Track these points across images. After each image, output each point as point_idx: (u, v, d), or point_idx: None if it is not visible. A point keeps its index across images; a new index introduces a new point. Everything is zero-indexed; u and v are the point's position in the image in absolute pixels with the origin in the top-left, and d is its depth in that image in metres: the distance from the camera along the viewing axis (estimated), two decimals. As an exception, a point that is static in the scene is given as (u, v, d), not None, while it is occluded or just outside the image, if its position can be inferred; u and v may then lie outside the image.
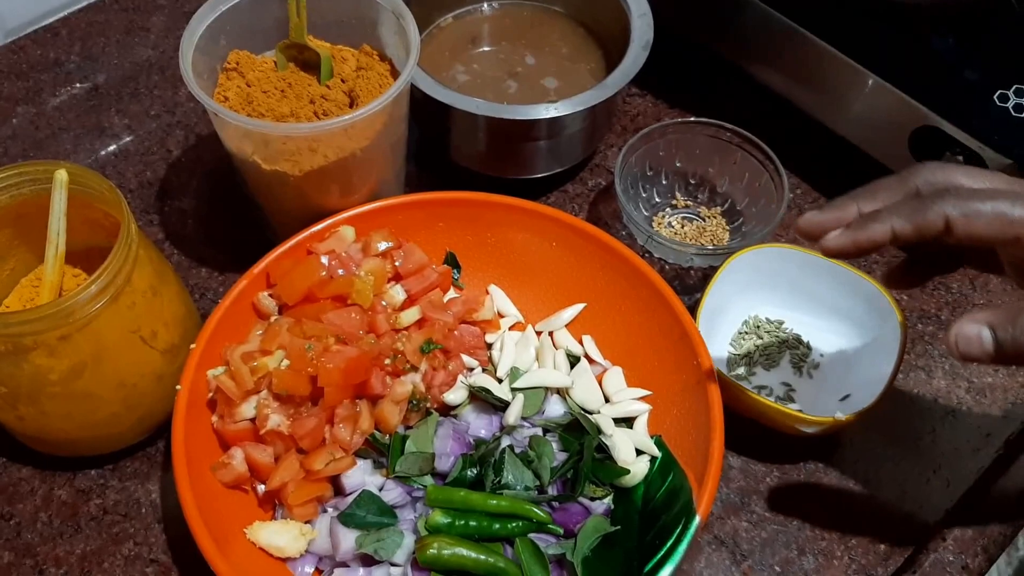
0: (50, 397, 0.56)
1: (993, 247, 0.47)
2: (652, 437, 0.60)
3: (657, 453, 0.59)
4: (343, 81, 0.65)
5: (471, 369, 0.64)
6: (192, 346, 0.58)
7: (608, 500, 0.58)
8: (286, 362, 0.57)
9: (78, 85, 0.83)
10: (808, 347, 0.68)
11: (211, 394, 0.58)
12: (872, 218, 0.47)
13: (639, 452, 0.59)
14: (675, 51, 0.78)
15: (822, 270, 0.66)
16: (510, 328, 0.67)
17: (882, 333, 0.64)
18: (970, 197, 0.45)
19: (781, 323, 0.68)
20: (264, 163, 0.61)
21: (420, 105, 0.68)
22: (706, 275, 0.70)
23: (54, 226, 0.57)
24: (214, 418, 0.58)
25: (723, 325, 0.67)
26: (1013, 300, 0.73)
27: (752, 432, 0.63)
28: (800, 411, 0.59)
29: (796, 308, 0.68)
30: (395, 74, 0.66)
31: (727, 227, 0.73)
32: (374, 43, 0.67)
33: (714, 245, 0.70)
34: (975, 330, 0.45)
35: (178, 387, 0.57)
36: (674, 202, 0.75)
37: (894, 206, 0.47)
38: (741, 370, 0.66)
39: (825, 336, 0.67)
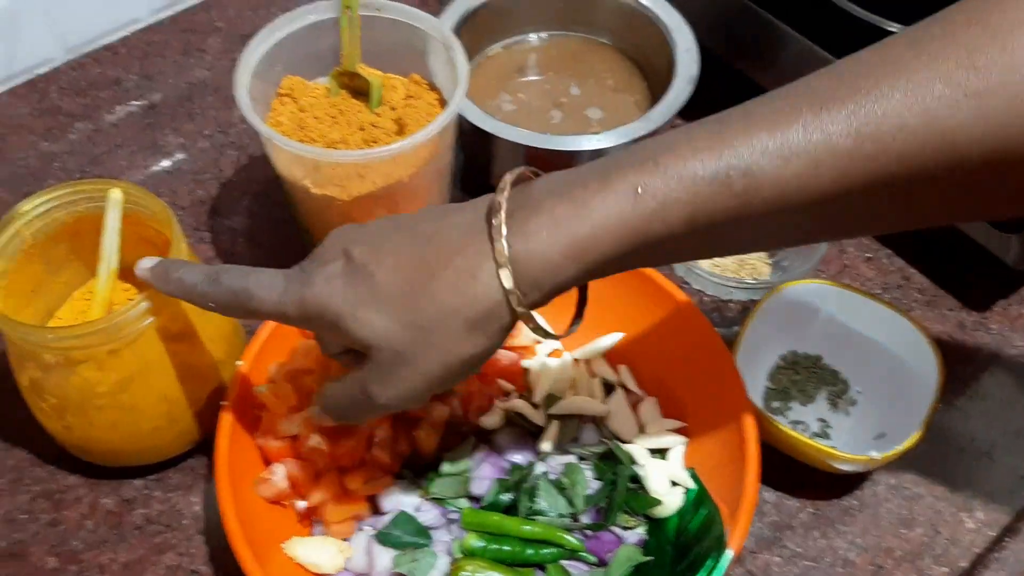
0: (97, 409, 0.58)
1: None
2: (687, 469, 0.60)
3: (691, 485, 0.59)
4: (392, 109, 0.67)
5: (507, 394, 0.65)
6: (239, 362, 0.60)
7: (641, 530, 0.59)
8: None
9: (135, 103, 0.85)
10: (845, 384, 0.68)
11: (256, 410, 0.60)
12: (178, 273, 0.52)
13: (673, 483, 0.60)
14: (719, 82, 0.79)
15: (862, 308, 0.66)
16: (547, 355, 0.68)
17: (920, 373, 0.64)
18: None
19: (819, 359, 0.68)
20: (314, 187, 0.63)
21: (465, 132, 0.70)
22: (745, 308, 0.70)
23: (107, 243, 0.59)
24: (257, 434, 0.60)
25: (760, 359, 0.68)
26: None
27: (786, 466, 0.63)
28: (835, 448, 0.59)
29: (834, 344, 0.68)
30: (443, 103, 0.68)
31: (767, 261, 0.74)
32: (423, 72, 0.69)
33: (754, 279, 0.71)
34: (314, 411, 0.56)
35: (223, 402, 0.58)
36: (714, 234, 0.76)
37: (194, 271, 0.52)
38: (777, 404, 0.67)
39: (862, 373, 0.67)
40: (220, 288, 0.50)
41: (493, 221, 0.44)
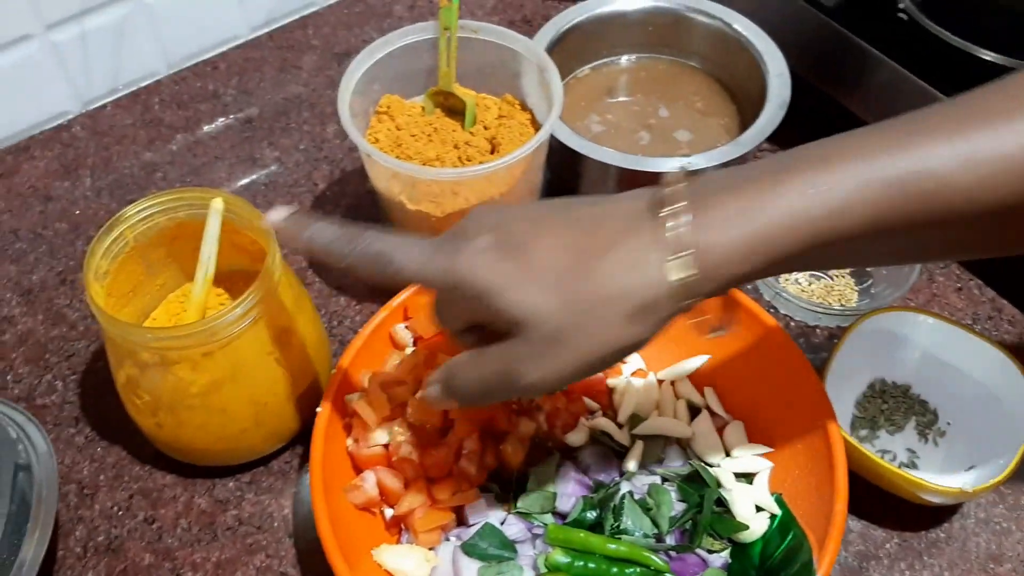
0: (188, 408, 0.60)
1: None
2: (772, 495, 0.60)
3: (777, 511, 0.59)
4: (485, 128, 0.68)
5: (592, 412, 0.65)
6: (333, 371, 0.61)
7: (725, 554, 0.58)
8: (421, 393, 0.60)
9: (233, 117, 0.88)
10: (935, 414, 0.67)
11: (347, 418, 0.61)
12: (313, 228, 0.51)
13: (759, 508, 0.60)
14: (808, 106, 0.79)
15: (954, 338, 0.65)
16: (632, 374, 0.68)
17: (1012, 406, 0.63)
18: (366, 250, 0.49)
19: (908, 388, 0.68)
20: (409, 203, 0.64)
21: (554, 151, 0.71)
22: (832, 334, 0.70)
23: (206, 250, 0.61)
24: (349, 441, 0.61)
25: (848, 386, 0.67)
26: None
27: (873, 496, 0.62)
28: (925, 479, 0.59)
29: (924, 374, 0.67)
30: (535, 123, 0.69)
31: (855, 287, 0.73)
32: (516, 93, 0.70)
33: (842, 305, 0.70)
34: (429, 391, 0.52)
35: (319, 409, 0.60)
36: (801, 259, 0.75)
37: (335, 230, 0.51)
38: (864, 432, 0.66)
39: (952, 404, 0.66)
40: (358, 249, 0.49)
41: (663, 213, 0.44)
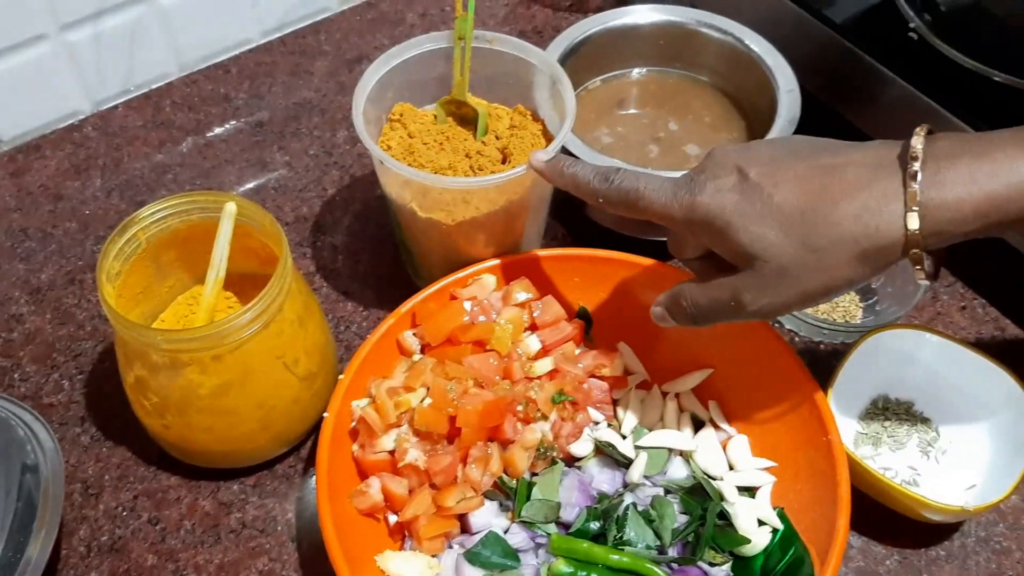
0: (197, 410, 0.60)
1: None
2: (775, 509, 0.60)
3: (779, 525, 0.59)
4: (497, 138, 0.68)
5: (597, 423, 0.66)
6: (341, 376, 0.62)
7: (727, 567, 0.59)
8: (428, 400, 0.60)
9: (244, 120, 0.89)
10: (937, 432, 0.67)
11: (354, 424, 0.62)
12: (572, 168, 0.59)
13: (761, 523, 0.60)
14: (817, 123, 0.79)
15: (958, 357, 0.65)
16: (637, 386, 0.68)
17: (1015, 425, 0.63)
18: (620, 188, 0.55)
19: (911, 406, 0.68)
20: (420, 211, 0.65)
21: (565, 163, 0.71)
22: (836, 350, 0.70)
23: (218, 253, 0.61)
24: (355, 447, 0.62)
25: (852, 403, 0.67)
26: None
27: (874, 512, 0.63)
28: (927, 497, 0.59)
29: (927, 392, 0.68)
30: (546, 134, 0.69)
31: (860, 304, 0.73)
32: (528, 103, 0.71)
33: (847, 321, 0.71)
34: (655, 310, 0.58)
35: (325, 414, 0.60)
36: (806, 275, 0.76)
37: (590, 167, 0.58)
38: (867, 449, 0.66)
39: (956, 423, 0.67)
40: (612, 186, 0.56)
41: (910, 167, 0.47)
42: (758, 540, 0.59)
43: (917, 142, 0.48)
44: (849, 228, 0.48)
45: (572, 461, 0.64)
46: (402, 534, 0.61)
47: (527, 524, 0.60)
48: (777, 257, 0.50)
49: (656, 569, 0.57)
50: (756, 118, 0.78)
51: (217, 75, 0.92)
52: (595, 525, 0.59)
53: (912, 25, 0.76)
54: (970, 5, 0.78)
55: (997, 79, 0.71)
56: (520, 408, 0.62)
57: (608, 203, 0.56)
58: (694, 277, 0.57)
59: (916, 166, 0.47)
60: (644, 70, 0.84)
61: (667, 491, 0.62)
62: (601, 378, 0.67)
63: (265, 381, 0.61)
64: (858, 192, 0.48)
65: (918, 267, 0.49)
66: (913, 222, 0.47)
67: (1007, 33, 0.76)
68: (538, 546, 0.60)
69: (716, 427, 0.66)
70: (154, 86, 0.91)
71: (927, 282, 0.51)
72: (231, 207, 0.61)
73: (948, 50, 0.73)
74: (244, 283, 0.68)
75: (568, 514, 0.60)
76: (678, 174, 0.69)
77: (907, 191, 0.47)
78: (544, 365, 0.64)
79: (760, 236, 0.50)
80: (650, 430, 0.65)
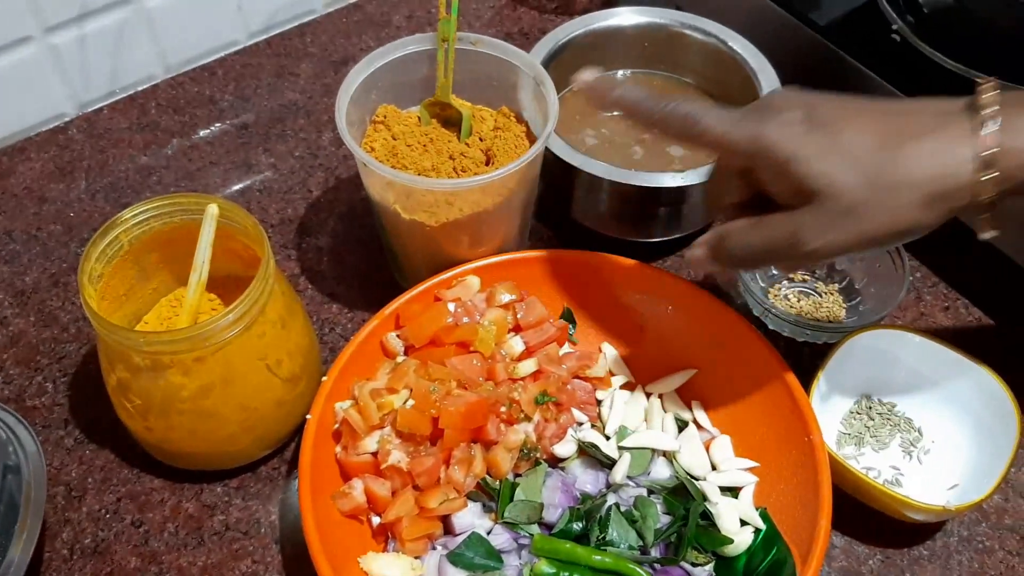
0: (179, 412, 0.60)
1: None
2: (757, 509, 0.61)
3: (762, 525, 0.59)
4: (481, 140, 0.69)
5: (580, 424, 0.66)
6: (324, 378, 0.62)
7: (710, 567, 0.59)
8: (411, 402, 0.60)
9: (229, 122, 0.89)
10: (919, 432, 0.67)
11: (337, 425, 0.62)
12: (624, 87, 0.57)
13: (743, 523, 0.60)
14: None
15: (940, 357, 0.66)
16: (620, 387, 0.68)
17: (997, 424, 0.63)
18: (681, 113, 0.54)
19: (894, 406, 0.68)
20: (404, 212, 0.65)
21: (548, 164, 0.71)
22: (819, 351, 0.70)
23: (200, 255, 0.61)
24: (338, 449, 0.62)
25: (835, 403, 0.68)
26: None
27: (857, 512, 0.63)
28: (909, 497, 0.59)
29: (910, 392, 0.68)
30: (530, 136, 0.69)
31: (844, 304, 0.74)
32: (512, 105, 0.71)
33: (830, 322, 0.71)
34: (695, 252, 0.56)
35: (308, 416, 0.60)
36: (791, 275, 0.76)
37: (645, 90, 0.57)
38: (849, 449, 0.67)
39: (938, 423, 0.67)
40: (669, 107, 0.54)
41: (984, 112, 0.48)
42: (741, 540, 0.59)
43: (987, 90, 0.49)
44: (918, 170, 0.49)
45: (555, 462, 0.64)
46: (385, 536, 0.61)
47: (510, 525, 0.60)
48: (842, 194, 0.49)
49: (639, 569, 0.57)
50: (740, 119, 0.78)
51: (202, 77, 0.92)
52: (578, 526, 0.59)
53: (895, 27, 0.76)
54: (952, 7, 0.78)
55: (978, 79, 0.71)
56: (503, 409, 0.62)
57: (663, 124, 0.55)
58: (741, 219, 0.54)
59: (989, 111, 0.48)
60: (629, 72, 0.84)
61: (650, 491, 0.62)
62: (585, 379, 0.67)
63: (248, 383, 0.61)
64: (928, 135, 0.49)
65: (983, 215, 0.50)
66: (983, 167, 0.48)
67: (989, 34, 0.76)
68: (521, 547, 0.60)
69: (699, 427, 0.66)
70: (139, 88, 0.91)
71: (990, 234, 0.51)
72: (213, 209, 0.61)
73: (931, 52, 0.73)
74: (228, 285, 0.68)
75: (551, 515, 0.60)
76: (667, 175, 0.70)
77: (978, 136, 0.48)
78: (528, 366, 0.64)
79: (826, 171, 0.49)
80: (634, 431, 0.65)
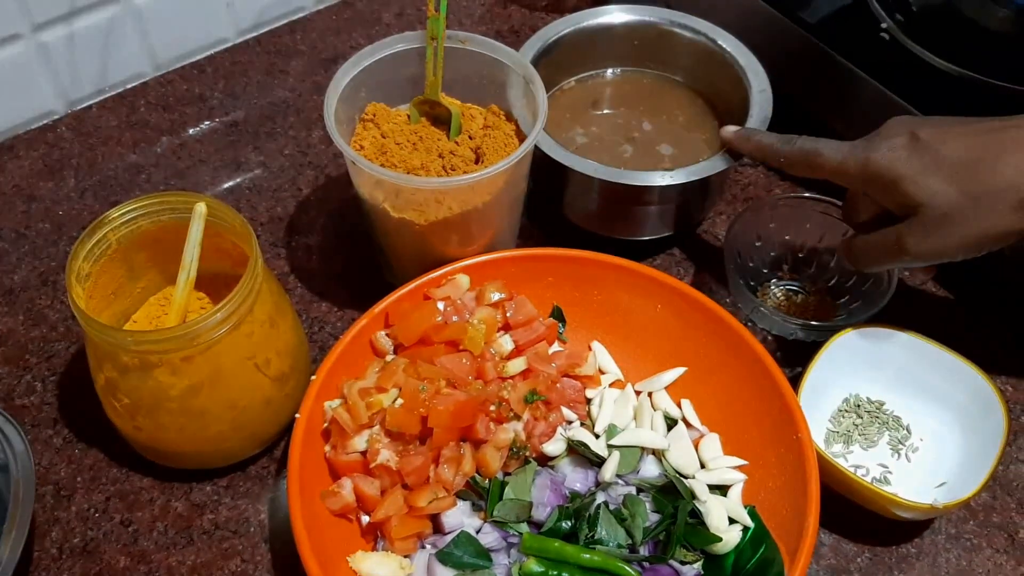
0: (167, 412, 0.60)
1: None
2: (746, 507, 0.61)
3: (750, 523, 0.60)
4: (470, 138, 0.69)
5: (570, 422, 0.66)
6: (313, 377, 0.62)
7: (698, 566, 0.59)
8: (400, 401, 0.60)
9: (219, 120, 0.88)
10: (908, 430, 0.68)
11: (326, 424, 0.62)
12: (756, 137, 0.69)
13: (732, 521, 0.60)
14: (790, 122, 0.79)
15: (928, 355, 0.66)
16: (610, 385, 0.69)
17: (984, 422, 0.64)
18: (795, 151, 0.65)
19: (882, 404, 0.68)
20: (393, 211, 0.65)
21: (538, 163, 0.71)
22: (808, 349, 0.70)
23: (188, 254, 0.61)
24: (327, 448, 0.61)
25: (823, 401, 0.68)
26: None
27: (845, 510, 0.63)
28: (896, 495, 0.59)
29: (898, 390, 0.68)
30: (520, 134, 0.69)
31: (833, 303, 0.74)
32: (501, 103, 0.71)
33: (818, 321, 0.71)
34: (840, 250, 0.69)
35: (297, 415, 0.60)
36: (780, 274, 0.76)
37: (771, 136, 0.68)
38: (838, 448, 0.67)
39: (926, 421, 0.67)
40: (794, 147, 0.65)
41: None
42: (729, 538, 0.59)
43: None
44: (1009, 178, 0.55)
45: (545, 460, 0.64)
46: (374, 534, 0.61)
47: (499, 524, 0.60)
48: (940, 205, 0.57)
49: (627, 568, 0.57)
50: (729, 118, 0.78)
51: (192, 75, 0.92)
52: (567, 524, 0.59)
53: (884, 25, 0.76)
54: (941, 5, 0.78)
55: (967, 78, 0.72)
56: (493, 408, 0.62)
57: (789, 162, 0.65)
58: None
59: None
60: (618, 70, 0.84)
61: (639, 490, 0.62)
62: (574, 377, 0.67)
63: (236, 382, 0.61)
64: (1020, 148, 0.55)
65: None
66: None
67: (977, 33, 0.76)
68: (510, 545, 0.60)
69: (688, 425, 0.66)
70: (129, 86, 0.91)
71: None
72: (201, 208, 0.61)
73: (919, 50, 0.73)
74: (217, 283, 0.68)
75: (540, 513, 0.60)
76: (657, 174, 0.70)
77: None
78: (517, 365, 0.65)
79: (926, 185, 0.57)
80: (623, 429, 0.65)
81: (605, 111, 0.81)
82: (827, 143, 0.63)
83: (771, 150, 0.66)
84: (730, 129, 0.70)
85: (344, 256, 0.79)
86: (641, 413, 0.66)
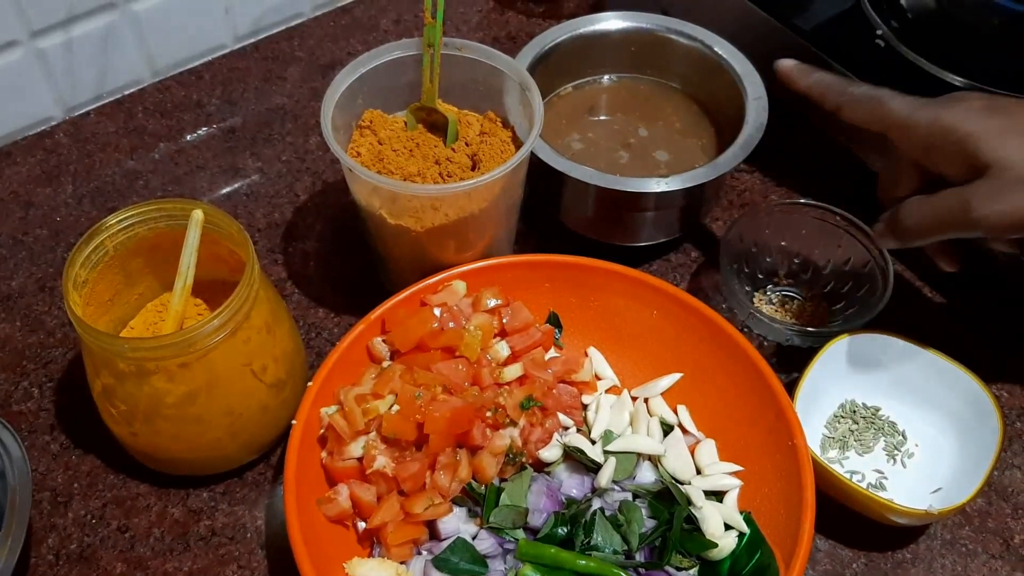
0: (164, 418, 0.60)
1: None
2: (741, 513, 0.61)
3: (746, 529, 0.60)
4: (467, 144, 0.69)
5: (566, 428, 0.66)
6: (309, 383, 0.62)
7: (694, 572, 0.59)
8: (396, 407, 0.60)
9: (216, 126, 0.89)
10: (903, 436, 0.68)
11: (322, 431, 0.62)
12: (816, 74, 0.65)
13: (728, 527, 0.60)
14: (787, 129, 0.80)
15: (923, 361, 0.66)
16: (606, 391, 0.69)
17: (979, 428, 0.64)
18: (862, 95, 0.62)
19: (877, 410, 0.69)
20: (390, 217, 0.65)
21: (534, 169, 0.71)
22: (804, 355, 0.71)
23: (185, 260, 0.61)
24: (323, 454, 0.62)
25: (819, 407, 0.68)
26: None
27: (840, 515, 0.63)
28: (892, 501, 0.59)
29: (894, 396, 0.68)
30: (516, 140, 0.70)
31: (828, 309, 0.74)
32: (498, 110, 0.71)
33: (814, 327, 0.71)
34: (877, 227, 0.63)
35: (294, 421, 0.60)
36: (776, 279, 0.76)
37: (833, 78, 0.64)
38: (833, 453, 0.67)
39: (921, 426, 0.68)
40: (857, 90, 0.61)
41: None
42: (725, 544, 0.59)
43: None
44: None
45: (541, 466, 0.64)
46: (371, 541, 0.61)
47: (495, 530, 0.60)
48: (1014, 165, 0.54)
49: (623, 574, 0.57)
50: (725, 124, 0.78)
51: (190, 81, 0.92)
52: (563, 530, 0.59)
53: (879, 32, 0.76)
54: (936, 12, 0.78)
55: (960, 85, 0.72)
56: (489, 414, 0.62)
57: (850, 106, 0.61)
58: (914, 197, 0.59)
59: None
60: (615, 76, 0.84)
61: (635, 496, 0.63)
62: (571, 383, 0.67)
63: (233, 389, 0.61)
64: None
65: None
66: None
67: (972, 40, 0.76)
68: (506, 552, 0.60)
69: (684, 431, 0.66)
70: (126, 92, 0.91)
71: None
72: (198, 215, 0.61)
73: (914, 57, 0.73)
74: (214, 290, 0.68)
75: (536, 519, 0.60)
76: (653, 180, 0.70)
77: None
78: (514, 371, 0.65)
79: (1002, 144, 0.54)
80: (619, 435, 0.65)
81: (602, 117, 0.82)
82: (894, 94, 0.60)
83: (833, 88, 0.62)
84: (787, 62, 0.66)
85: (341, 262, 0.79)
86: (637, 419, 0.66)
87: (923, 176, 0.60)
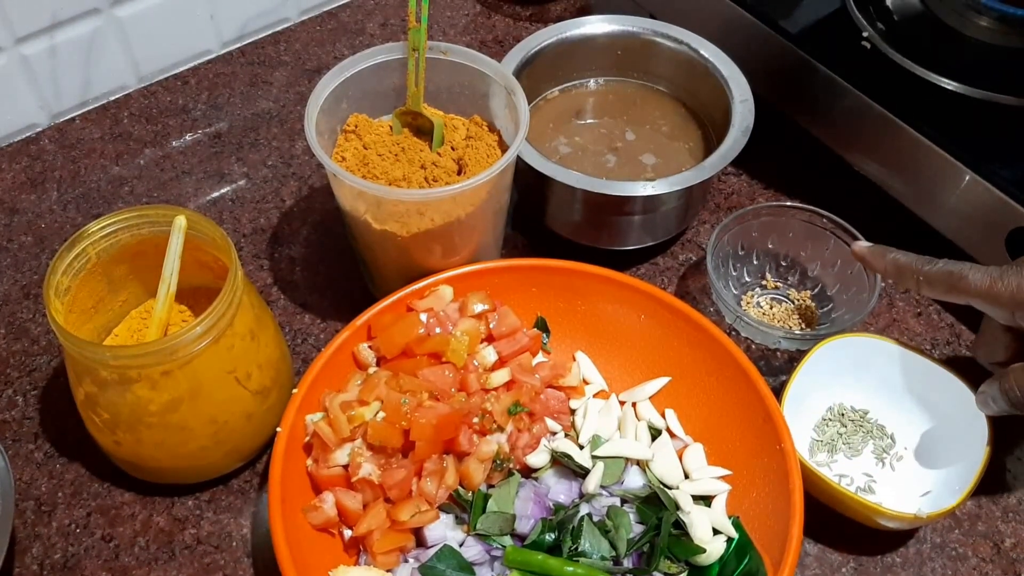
0: (147, 427, 0.60)
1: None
2: (730, 517, 0.61)
3: (734, 534, 0.59)
4: (453, 149, 0.68)
5: (554, 433, 0.66)
6: (295, 390, 0.61)
7: (682, 576, 0.59)
8: (382, 414, 0.60)
9: (202, 132, 0.88)
10: (892, 439, 0.68)
11: (308, 438, 0.61)
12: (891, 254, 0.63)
13: (716, 531, 0.60)
14: (774, 131, 0.80)
15: (912, 364, 0.66)
16: (594, 396, 0.68)
17: (969, 432, 0.63)
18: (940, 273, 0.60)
19: (866, 413, 0.68)
20: (375, 222, 0.65)
21: (521, 173, 0.71)
22: (792, 357, 0.71)
23: (168, 267, 0.61)
24: (309, 461, 0.61)
25: (807, 410, 0.68)
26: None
27: (829, 519, 0.63)
28: (881, 504, 0.59)
29: (883, 399, 0.68)
30: (502, 144, 0.69)
31: (816, 311, 0.74)
32: (484, 114, 0.71)
33: (802, 330, 0.71)
34: (978, 397, 0.62)
35: (278, 429, 0.60)
36: (764, 283, 0.76)
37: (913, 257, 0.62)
38: (822, 457, 0.67)
39: (910, 430, 0.67)
40: (936, 268, 0.60)
41: None
42: (713, 549, 0.59)
43: None
44: None
45: (528, 472, 0.64)
46: (357, 549, 0.60)
47: (482, 537, 0.60)
48: None
49: (611, 580, 0.57)
50: (712, 127, 0.78)
51: (175, 86, 0.92)
52: (550, 537, 0.59)
53: (865, 34, 0.76)
54: (922, 14, 0.78)
55: (948, 87, 0.72)
56: (476, 420, 0.61)
57: (929, 282, 0.60)
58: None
59: None
60: (602, 80, 0.84)
61: (623, 501, 0.62)
62: (558, 388, 0.67)
63: (216, 396, 0.60)
64: None
65: None
66: None
67: (959, 42, 0.77)
68: (493, 559, 0.59)
69: (672, 435, 0.66)
70: (112, 98, 0.90)
71: None
72: (181, 221, 0.61)
73: (901, 59, 0.74)
74: (199, 296, 0.67)
75: (523, 526, 0.60)
76: (640, 183, 0.70)
77: None
78: (501, 376, 0.64)
79: None
80: (607, 440, 0.65)
81: (588, 121, 0.81)
82: (972, 266, 0.58)
83: (909, 268, 0.61)
84: (863, 245, 0.66)
85: (327, 268, 0.78)
86: (625, 424, 0.66)
87: (1017, 341, 0.60)
